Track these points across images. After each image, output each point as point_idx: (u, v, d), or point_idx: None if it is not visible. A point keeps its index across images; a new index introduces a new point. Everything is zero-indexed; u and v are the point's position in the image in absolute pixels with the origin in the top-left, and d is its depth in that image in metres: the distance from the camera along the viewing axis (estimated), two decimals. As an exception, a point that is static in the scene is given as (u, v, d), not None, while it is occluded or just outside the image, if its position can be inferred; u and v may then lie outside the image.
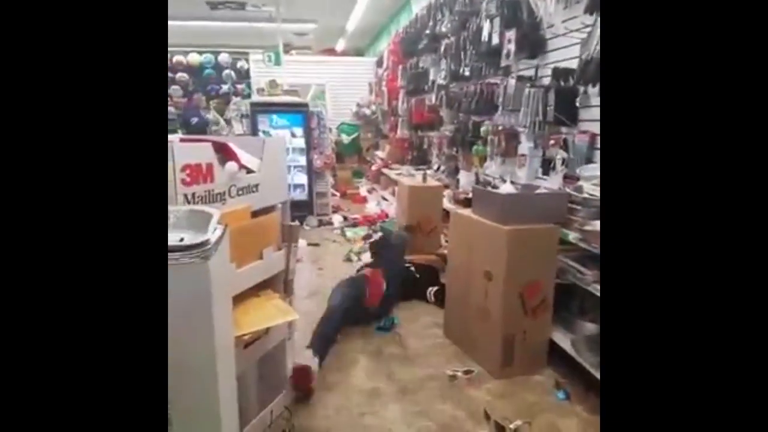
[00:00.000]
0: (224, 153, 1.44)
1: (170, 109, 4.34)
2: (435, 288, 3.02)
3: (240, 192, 1.48)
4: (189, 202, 1.26)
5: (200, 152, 1.33)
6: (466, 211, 2.44)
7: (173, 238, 0.99)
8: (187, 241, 0.95)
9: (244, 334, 1.44)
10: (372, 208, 5.66)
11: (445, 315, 2.61)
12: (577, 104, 2.69)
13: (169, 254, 0.90)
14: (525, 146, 3.13)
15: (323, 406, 1.92)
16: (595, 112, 2.60)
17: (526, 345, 2.15)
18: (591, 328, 2.27)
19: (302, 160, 5.17)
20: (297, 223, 1.85)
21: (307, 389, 1.94)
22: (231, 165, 1.41)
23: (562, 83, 2.76)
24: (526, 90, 2.98)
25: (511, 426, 1.77)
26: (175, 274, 0.91)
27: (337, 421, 1.83)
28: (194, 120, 5.25)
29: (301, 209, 4.95)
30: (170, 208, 1.15)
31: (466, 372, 2.16)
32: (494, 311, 2.14)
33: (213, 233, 1.01)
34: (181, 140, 1.44)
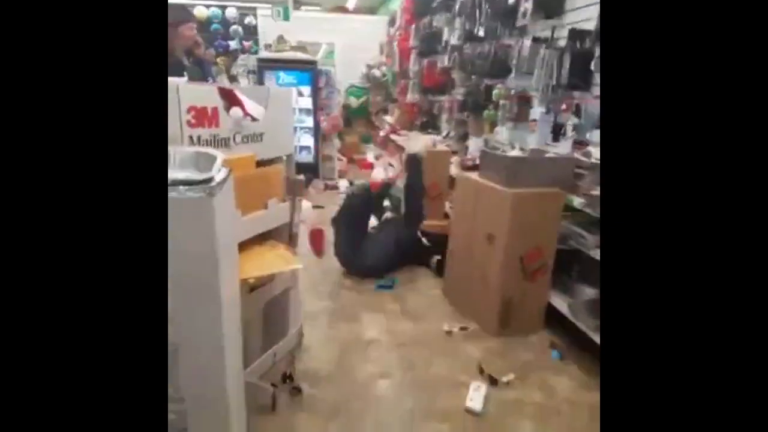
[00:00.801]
0: (229, 99, 1.43)
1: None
2: (437, 257, 3.00)
3: (245, 140, 1.48)
4: (194, 144, 1.27)
5: (206, 95, 1.32)
6: (473, 174, 2.42)
7: (179, 176, 1.00)
8: (191, 177, 0.96)
9: (249, 278, 1.47)
10: (379, 174, 5.63)
11: (445, 276, 2.64)
12: (592, 68, 2.62)
13: (175, 188, 0.92)
14: (537, 111, 3.07)
15: (325, 353, 1.99)
16: (610, 77, 2.53)
17: (524, 307, 2.19)
18: (590, 292, 2.30)
19: (309, 122, 5.11)
20: (302, 176, 1.86)
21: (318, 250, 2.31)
22: (236, 110, 1.41)
23: (578, 45, 2.68)
24: (541, 52, 2.91)
25: (504, 379, 1.83)
26: (181, 209, 0.93)
27: (337, 366, 1.90)
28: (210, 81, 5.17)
29: (307, 172, 4.94)
30: (176, 148, 1.15)
31: (462, 328, 2.22)
32: (494, 274, 2.16)
33: (218, 173, 1.02)
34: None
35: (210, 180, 0.96)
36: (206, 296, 1.04)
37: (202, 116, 1.29)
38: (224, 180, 1.06)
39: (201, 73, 3.55)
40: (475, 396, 1.66)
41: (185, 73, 2.73)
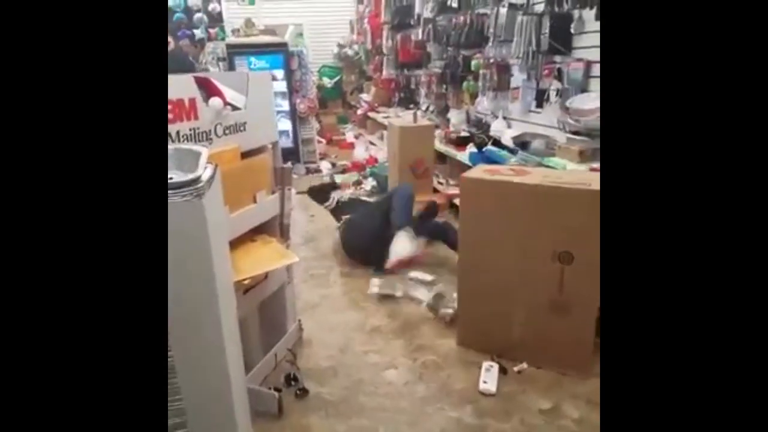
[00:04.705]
0: (207, 89, 1.33)
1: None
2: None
3: (227, 131, 1.39)
4: (173, 141, 1.17)
5: (182, 86, 1.22)
6: (506, 174, 1.74)
7: (162, 178, 0.91)
8: (176, 180, 0.88)
9: (245, 279, 1.40)
10: (360, 153, 5.53)
11: (461, 317, 1.92)
12: (572, 31, 2.58)
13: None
14: (518, 79, 3.03)
15: (326, 347, 1.94)
16: (591, 39, 2.50)
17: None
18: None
19: (285, 105, 4.95)
20: (290, 164, 1.77)
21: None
22: (215, 100, 1.31)
23: (557, 9, 2.63)
24: (519, 18, 2.85)
25: (515, 369, 1.73)
26: (168, 214, 0.85)
27: (341, 360, 1.86)
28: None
29: (287, 157, 4.79)
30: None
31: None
32: (580, 305, 1.62)
33: (204, 171, 0.94)
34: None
35: (197, 180, 0.88)
36: (204, 307, 0.97)
37: (180, 110, 1.19)
38: (211, 178, 0.97)
39: (180, 66, 3.42)
40: (488, 377, 1.64)
41: None
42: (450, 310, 2.04)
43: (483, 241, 1.75)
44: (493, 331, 1.81)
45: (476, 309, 1.84)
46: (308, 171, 5.04)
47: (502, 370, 1.72)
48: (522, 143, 2.79)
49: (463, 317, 1.91)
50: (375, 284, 2.34)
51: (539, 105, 2.89)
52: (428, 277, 2.47)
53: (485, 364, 1.71)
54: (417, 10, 4.60)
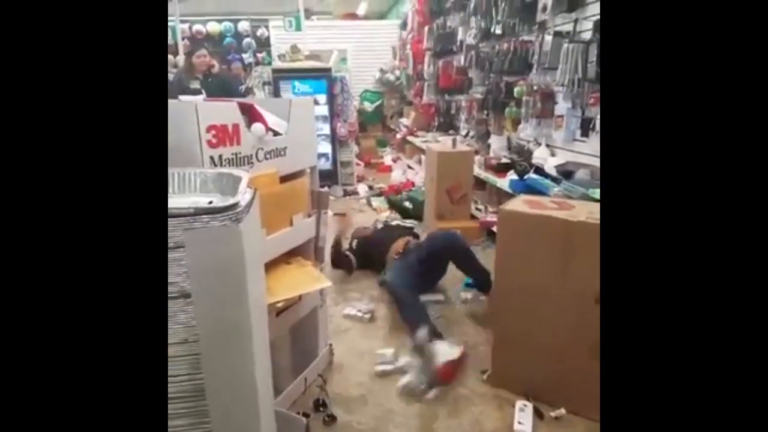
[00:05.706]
0: (250, 114, 1.37)
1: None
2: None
3: (267, 156, 1.42)
4: (215, 165, 1.21)
5: (225, 113, 1.26)
6: (549, 207, 1.63)
7: (202, 201, 0.93)
8: (216, 204, 0.89)
9: (278, 301, 1.40)
10: (397, 177, 5.55)
11: (494, 354, 1.83)
12: (622, 58, 2.50)
13: (198, 217, 0.85)
14: (562, 106, 2.96)
15: (356, 373, 1.90)
16: (642, 67, 2.41)
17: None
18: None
19: (326, 129, 5.06)
20: (326, 188, 1.79)
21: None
22: (258, 126, 1.34)
23: (606, 36, 2.56)
24: (564, 46, 2.80)
25: (552, 414, 1.61)
26: (206, 238, 0.86)
27: (371, 387, 1.81)
28: (242, 88, 5.12)
29: (325, 179, 4.89)
30: (198, 170, 1.09)
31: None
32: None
33: (243, 195, 0.95)
34: (205, 101, 1.38)
35: (235, 206, 0.89)
36: (236, 330, 0.97)
37: (223, 135, 1.22)
38: (250, 203, 0.98)
39: (223, 87, 3.62)
40: (523, 417, 1.55)
41: (203, 90, 2.74)
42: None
43: (520, 278, 1.64)
44: (528, 373, 1.70)
45: (511, 349, 1.74)
46: (345, 193, 5.11)
47: (539, 414, 1.61)
48: (566, 172, 2.70)
49: (497, 358, 1.81)
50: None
51: (584, 134, 2.81)
52: (440, 297, 2.51)
53: (519, 404, 1.62)
54: (460, 36, 4.64)
